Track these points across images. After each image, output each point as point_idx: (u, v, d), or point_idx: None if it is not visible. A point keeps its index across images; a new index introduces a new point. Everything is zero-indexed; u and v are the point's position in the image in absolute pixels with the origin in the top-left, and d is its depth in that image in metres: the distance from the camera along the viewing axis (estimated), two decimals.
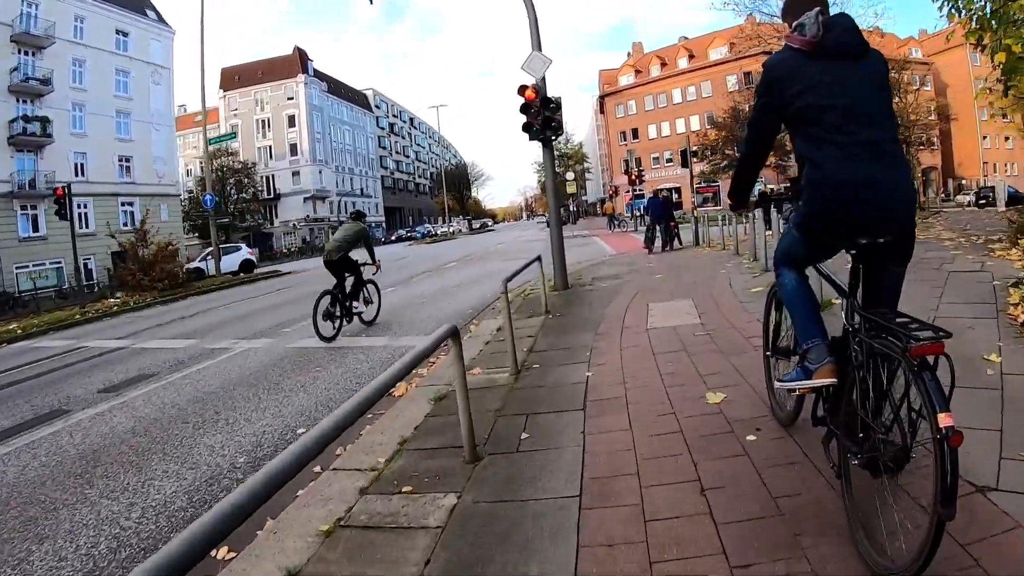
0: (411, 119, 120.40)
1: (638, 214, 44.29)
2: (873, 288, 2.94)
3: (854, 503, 2.76)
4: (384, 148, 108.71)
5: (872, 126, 2.79)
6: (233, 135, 40.35)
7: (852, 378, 2.79)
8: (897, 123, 3.05)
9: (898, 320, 2.55)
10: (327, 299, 10.59)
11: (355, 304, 11.33)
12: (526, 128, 12.48)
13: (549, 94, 12.35)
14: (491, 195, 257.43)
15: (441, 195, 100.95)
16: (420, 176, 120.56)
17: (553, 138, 12.97)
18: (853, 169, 2.74)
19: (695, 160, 69.54)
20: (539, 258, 10.34)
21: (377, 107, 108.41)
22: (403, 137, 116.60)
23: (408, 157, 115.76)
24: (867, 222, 2.78)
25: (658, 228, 20.61)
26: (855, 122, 2.77)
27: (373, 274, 11.94)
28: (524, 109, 12.31)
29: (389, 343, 9.86)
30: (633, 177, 40.29)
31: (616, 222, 43.70)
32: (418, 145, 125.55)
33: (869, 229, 2.78)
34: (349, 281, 11.15)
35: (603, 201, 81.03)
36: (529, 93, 12.18)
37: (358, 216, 12.29)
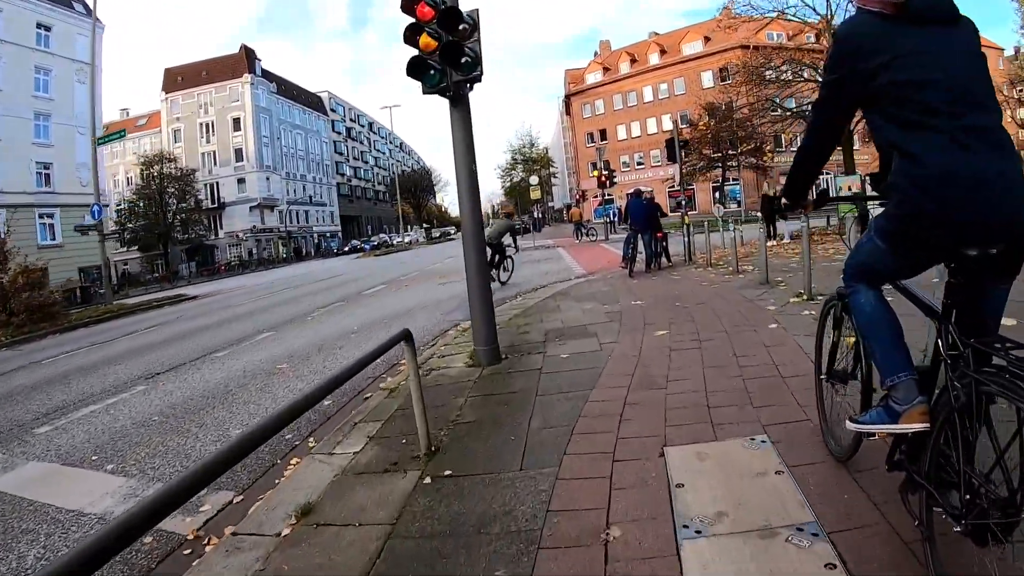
0: (370, 123, 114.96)
1: (608, 221, 39.51)
2: (972, 309, 2.42)
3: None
4: (340, 153, 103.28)
5: (979, 108, 2.29)
6: (121, 133, 34.72)
7: (944, 420, 2.31)
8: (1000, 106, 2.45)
9: (1017, 354, 2.03)
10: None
11: (495, 272, 16.38)
12: (414, 69, 6.71)
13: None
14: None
15: (409, 201, 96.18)
16: (380, 183, 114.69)
17: (468, 86, 7.13)
18: (963, 162, 2.21)
19: (668, 163, 66.71)
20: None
21: (333, 110, 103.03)
22: (361, 142, 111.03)
23: (367, 163, 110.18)
24: (978, 228, 2.23)
25: (641, 240, 15.66)
26: (960, 103, 2.26)
27: (513, 254, 18.09)
28: (411, 35, 6.51)
29: None
30: (603, 179, 35.56)
31: (583, 230, 38.78)
32: (378, 151, 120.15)
33: (980, 236, 2.24)
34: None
35: (570, 207, 76.38)
36: (423, 7, 6.40)
37: (508, 215, 20.33)
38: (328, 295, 19.97)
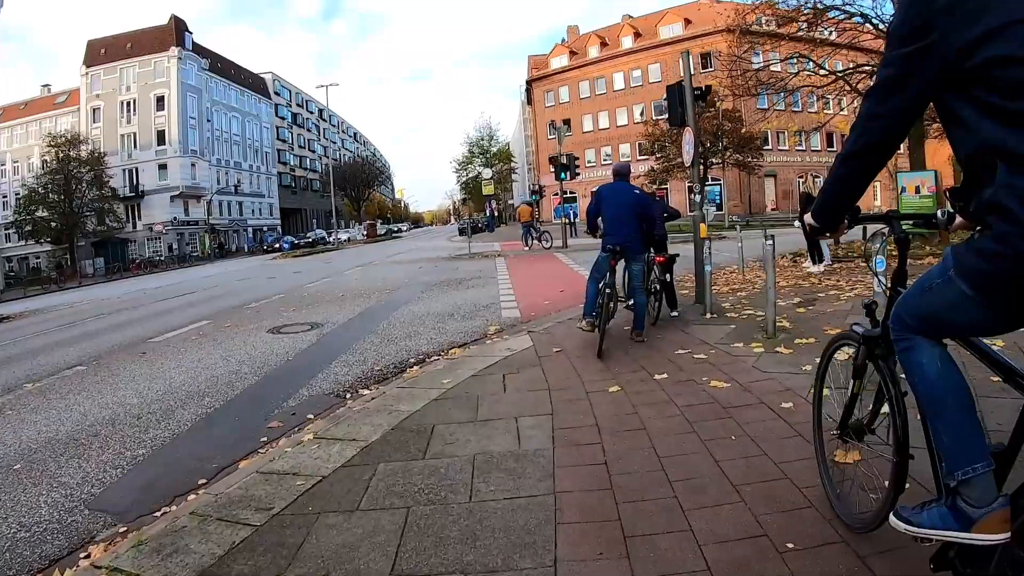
0: (320, 110, 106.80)
1: (567, 222, 31.87)
2: None
3: None
4: (284, 141, 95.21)
5: None
6: None
7: None
8: None
9: None
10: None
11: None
12: None
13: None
14: (416, 199, 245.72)
15: (347, 194, 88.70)
16: (328, 175, 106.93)
17: None
18: None
19: (641, 157, 60.00)
20: None
21: (277, 94, 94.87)
22: (308, 130, 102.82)
23: (314, 152, 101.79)
24: None
25: (626, 271, 8.02)
26: None
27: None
28: None
29: None
30: (562, 163, 28.49)
31: (535, 233, 30.95)
32: (328, 140, 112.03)
33: None
34: None
35: (531, 206, 68.73)
36: None
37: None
38: (136, 329, 13.87)
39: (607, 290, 7.29)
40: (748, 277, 13.29)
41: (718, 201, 49.39)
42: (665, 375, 5.92)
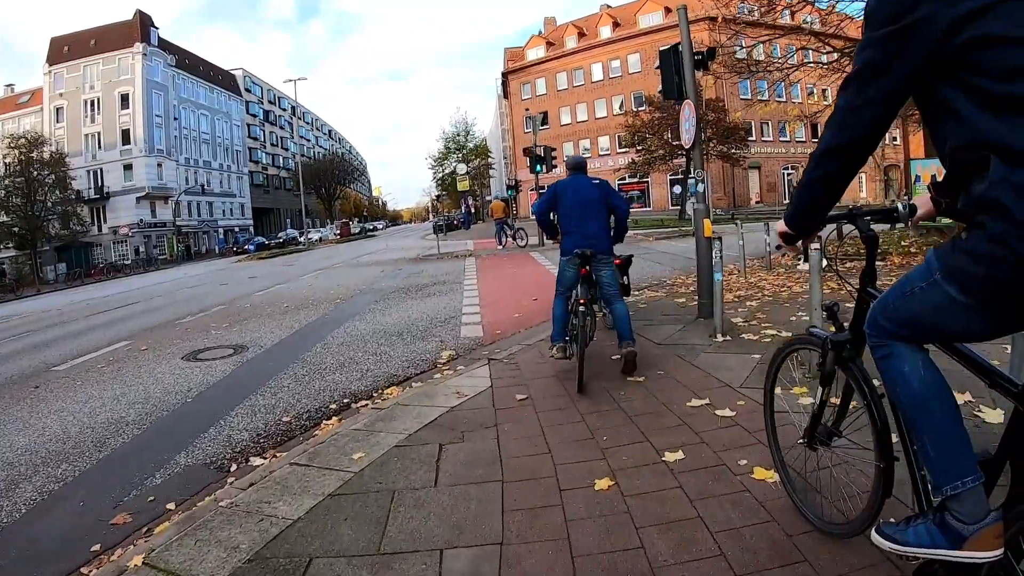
0: (292, 107, 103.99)
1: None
2: None
3: None
4: (255, 139, 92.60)
5: None
6: None
7: (1016, 534, 1.79)
8: None
9: None
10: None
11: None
12: None
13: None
14: (393, 197, 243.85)
15: (318, 192, 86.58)
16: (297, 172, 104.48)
17: None
18: None
19: (621, 150, 58.21)
20: None
21: (247, 91, 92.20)
22: (281, 127, 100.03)
23: (287, 150, 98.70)
24: None
25: (596, 284, 6.20)
26: None
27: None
28: None
29: None
30: (538, 155, 26.63)
31: (508, 231, 28.32)
32: (302, 138, 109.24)
33: None
34: None
35: (506, 201, 66.46)
36: None
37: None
38: (47, 353, 11.84)
39: (580, 307, 5.75)
40: (751, 280, 11.37)
41: (703, 193, 47.51)
42: (680, 455, 3.90)
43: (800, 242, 2.34)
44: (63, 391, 8.32)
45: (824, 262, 5.01)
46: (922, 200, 2.15)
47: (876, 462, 2.40)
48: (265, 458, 4.99)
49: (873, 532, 2.13)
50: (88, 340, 12.77)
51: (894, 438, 2.28)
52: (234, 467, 5.03)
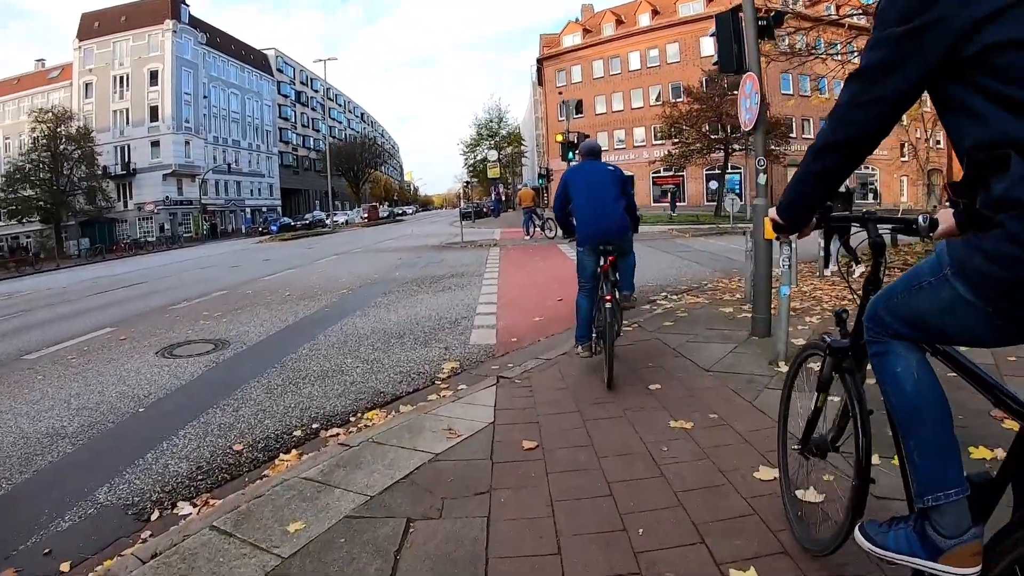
0: (326, 89, 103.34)
1: None
2: None
3: None
4: (286, 119, 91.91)
5: None
6: None
7: (1010, 565, 1.65)
8: None
9: None
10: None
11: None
12: None
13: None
14: (425, 182, 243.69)
15: (346, 174, 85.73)
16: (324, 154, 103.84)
17: None
18: None
19: (657, 142, 56.56)
20: None
21: (279, 71, 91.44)
22: (313, 109, 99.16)
23: (318, 132, 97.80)
24: None
25: (607, 283, 5.60)
26: None
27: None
28: None
29: None
30: (570, 142, 25.29)
31: (537, 220, 26.86)
32: (334, 120, 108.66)
33: None
34: None
35: (536, 190, 64.89)
36: None
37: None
38: (25, 338, 10.84)
39: (607, 304, 5.37)
40: (805, 289, 9.92)
41: (738, 191, 45.67)
42: None
43: (794, 236, 2.31)
44: (19, 387, 7.32)
45: (833, 266, 4.03)
46: (946, 215, 1.90)
47: (852, 479, 2.28)
48: (195, 504, 3.95)
49: (856, 531, 2.09)
50: (73, 325, 11.78)
51: (876, 459, 2.27)
52: (156, 514, 3.92)
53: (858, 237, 2.32)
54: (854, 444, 2.27)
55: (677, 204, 48.70)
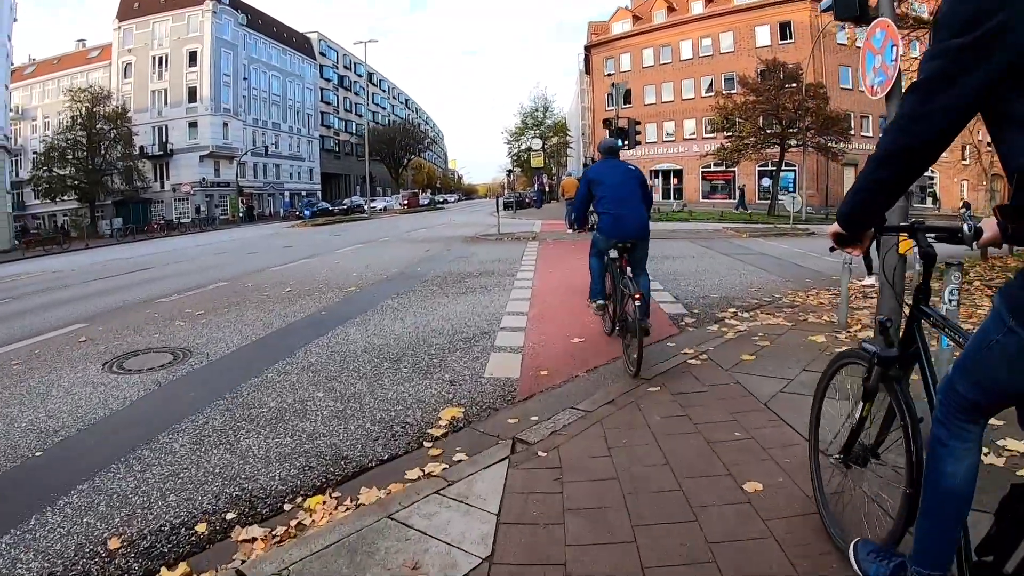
0: (369, 74, 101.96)
1: None
2: None
3: None
4: (328, 103, 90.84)
5: None
6: None
7: None
8: None
9: None
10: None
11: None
12: None
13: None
14: (469, 171, 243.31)
15: (384, 159, 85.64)
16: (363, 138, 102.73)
17: None
18: None
19: (708, 135, 53.73)
20: None
21: (322, 54, 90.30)
22: (356, 93, 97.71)
23: (360, 117, 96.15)
24: None
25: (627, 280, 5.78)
26: None
27: None
28: None
29: None
30: (619, 127, 23.25)
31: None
32: (376, 105, 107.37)
33: None
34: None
35: (580, 181, 62.40)
36: None
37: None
38: None
39: (636, 301, 5.24)
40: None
41: (792, 189, 43.08)
42: None
43: (854, 247, 2.23)
44: None
45: (874, 275, 3.44)
46: (989, 223, 1.93)
47: (904, 487, 2.28)
48: None
49: (851, 545, 2.27)
50: (44, 319, 10.30)
51: None
52: None
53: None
54: (905, 452, 2.26)
55: (745, 202, 46.75)
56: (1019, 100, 1.54)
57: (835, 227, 2.15)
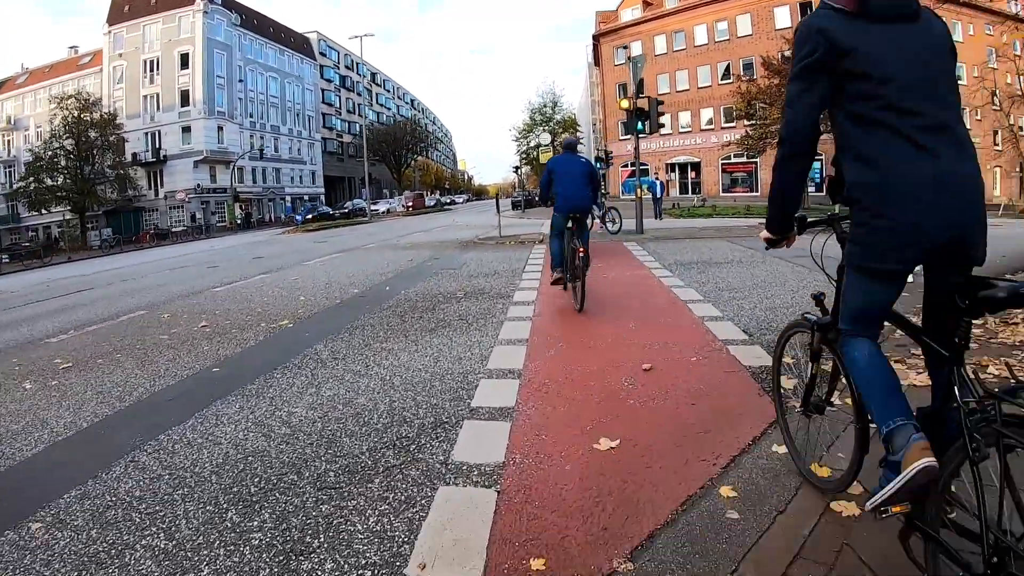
0: (373, 74, 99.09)
1: (644, 194, 22.40)
2: (946, 329, 2.18)
3: None
4: (330, 104, 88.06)
5: (938, 105, 2.15)
6: None
7: (957, 466, 2.04)
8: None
9: None
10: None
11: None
12: None
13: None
14: (479, 171, 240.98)
15: (385, 159, 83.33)
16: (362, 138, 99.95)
17: None
18: (923, 164, 2.07)
19: (727, 125, 50.17)
20: None
21: (322, 55, 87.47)
22: (358, 94, 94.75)
23: (363, 118, 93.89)
24: (946, 237, 2.10)
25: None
26: (919, 99, 2.12)
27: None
28: None
29: None
30: (640, 108, 19.85)
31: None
32: (381, 106, 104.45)
33: (947, 247, 2.11)
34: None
35: None
36: None
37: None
38: None
39: (580, 254, 7.81)
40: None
41: (818, 180, 39.59)
42: None
43: (782, 244, 2.69)
44: None
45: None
46: None
47: (855, 423, 2.72)
48: None
49: (866, 506, 2.30)
50: None
51: None
52: None
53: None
54: (851, 396, 2.71)
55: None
56: (834, 113, 2.26)
57: (765, 233, 2.64)
